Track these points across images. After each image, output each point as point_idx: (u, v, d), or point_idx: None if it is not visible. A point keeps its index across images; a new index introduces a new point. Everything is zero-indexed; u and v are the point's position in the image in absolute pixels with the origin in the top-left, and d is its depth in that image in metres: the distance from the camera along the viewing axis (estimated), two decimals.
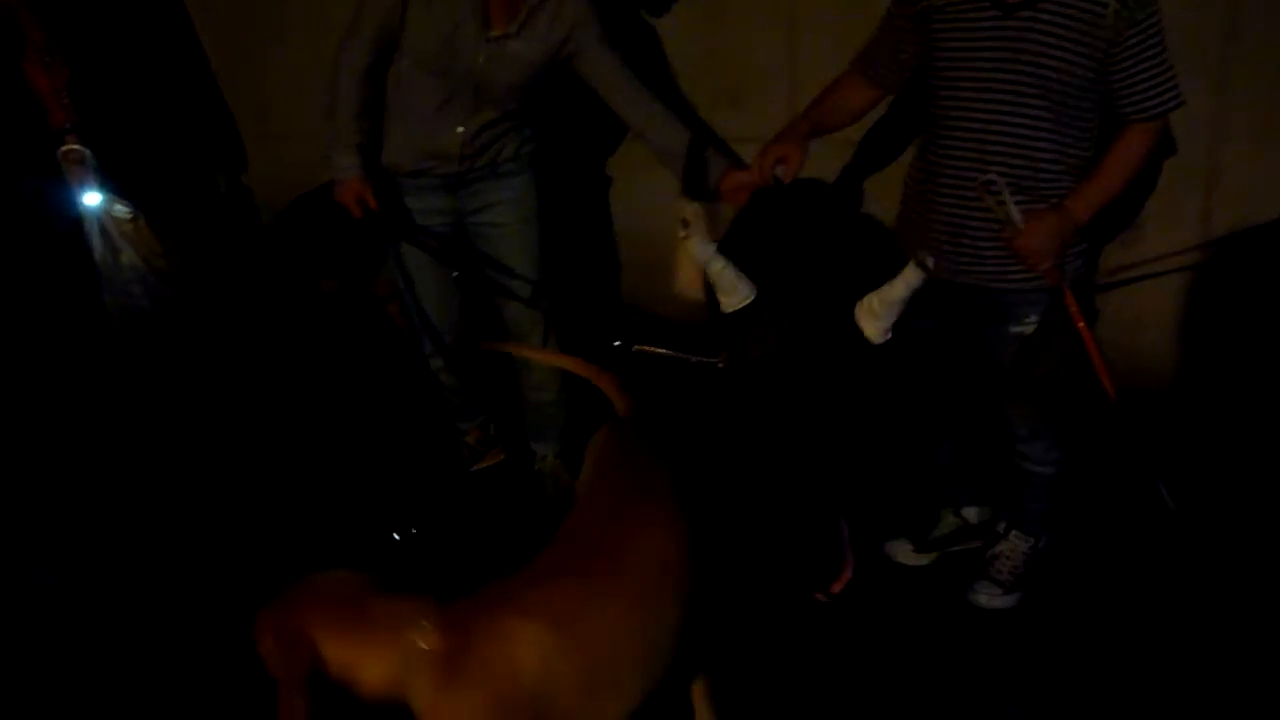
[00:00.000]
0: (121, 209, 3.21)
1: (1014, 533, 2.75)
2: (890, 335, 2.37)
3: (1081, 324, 2.31)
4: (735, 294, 2.50)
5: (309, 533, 2.93)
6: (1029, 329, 2.41)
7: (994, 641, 2.61)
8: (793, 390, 2.63)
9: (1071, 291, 2.31)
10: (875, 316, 2.37)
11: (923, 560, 2.87)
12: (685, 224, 2.41)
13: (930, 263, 2.28)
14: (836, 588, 2.61)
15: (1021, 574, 2.73)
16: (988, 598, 2.72)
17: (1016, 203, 2.23)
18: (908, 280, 2.32)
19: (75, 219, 3.24)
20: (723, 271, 2.48)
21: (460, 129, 2.74)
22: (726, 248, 2.51)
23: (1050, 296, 2.35)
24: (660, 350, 2.29)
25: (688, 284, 2.67)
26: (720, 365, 2.61)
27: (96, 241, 3.28)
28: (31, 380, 3.32)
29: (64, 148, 3.16)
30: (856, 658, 2.55)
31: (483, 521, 3.11)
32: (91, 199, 3.21)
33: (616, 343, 2.68)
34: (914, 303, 2.33)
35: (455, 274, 3.00)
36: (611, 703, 1.72)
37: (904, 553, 2.88)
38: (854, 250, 3.20)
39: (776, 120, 2.68)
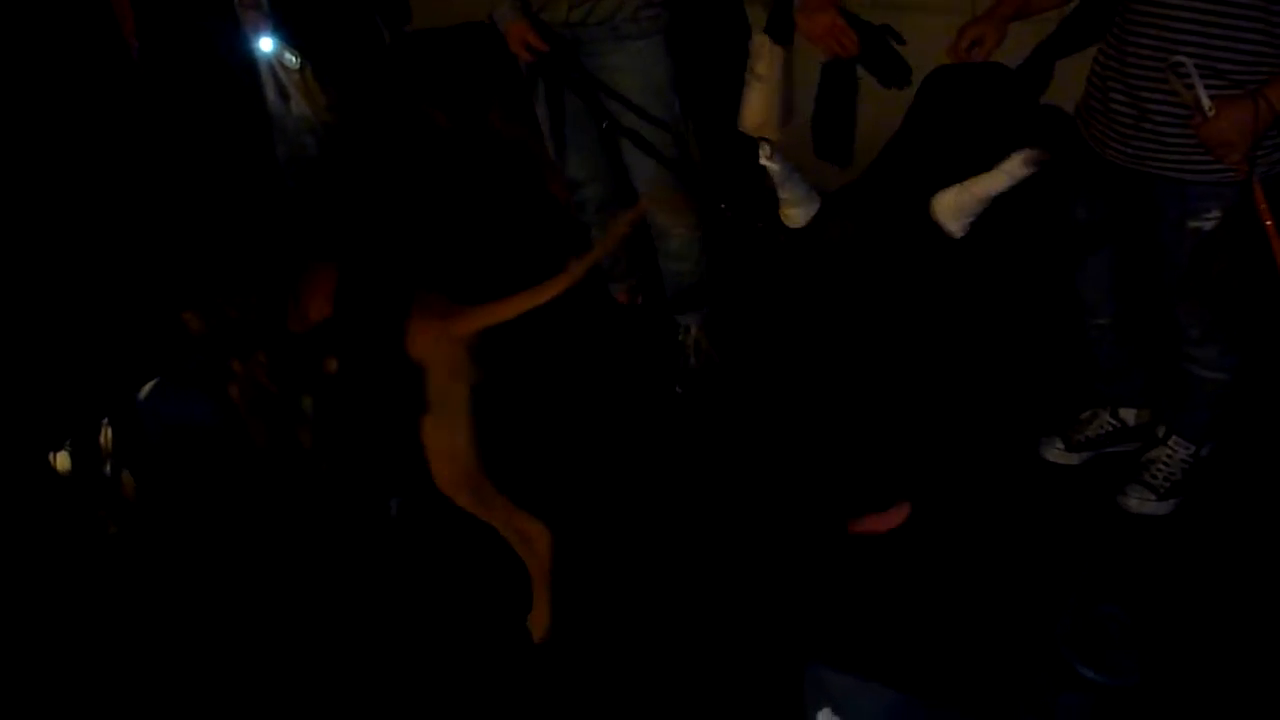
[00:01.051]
0: (291, 58, 3.24)
1: (1174, 438, 2.60)
2: (970, 229, 2.24)
3: (1270, 222, 2.10)
4: (803, 207, 2.39)
5: None
6: (1209, 224, 2.22)
7: (1137, 546, 2.51)
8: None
9: (1261, 187, 2.10)
10: (961, 213, 2.25)
11: (1073, 460, 2.76)
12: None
13: (1039, 157, 2.15)
14: (879, 526, 2.41)
15: (1178, 481, 2.59)
16: (1139, 502, 2.60)
17: (1207, 87, 2.03)
18: (1010, 173, 2.18)
19: (250, 65, 3.31)
20: (793, 186, 2.37)
21: None
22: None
23: (1237, 191, 2.14)
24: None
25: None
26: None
27: (270, 89, 3.36)
28: (205, 222, 3.48)
29: None
30: (996, 552, 2.49)
31: (626, 391, 3.12)
32: (264, 45, 3.26)
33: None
34: (1073, 188, 2.16)
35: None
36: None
37: (1054, 451, 2.77)
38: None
39: None
